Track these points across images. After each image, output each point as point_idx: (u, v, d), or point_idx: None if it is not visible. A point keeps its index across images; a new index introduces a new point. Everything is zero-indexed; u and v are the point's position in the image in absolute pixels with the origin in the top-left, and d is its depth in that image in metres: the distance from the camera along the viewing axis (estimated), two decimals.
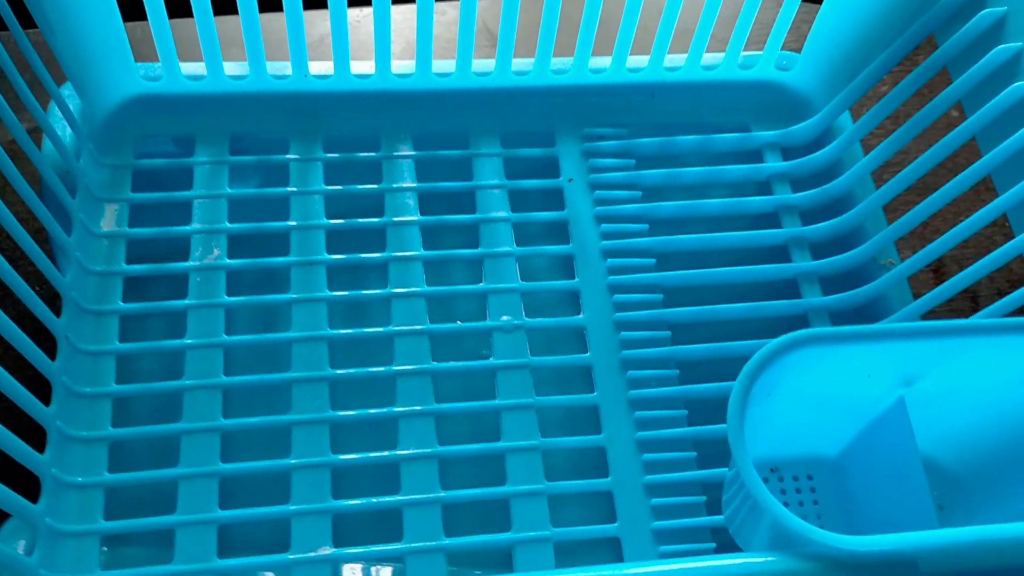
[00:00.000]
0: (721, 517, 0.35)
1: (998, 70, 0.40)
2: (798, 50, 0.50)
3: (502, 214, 0.46)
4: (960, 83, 0.41)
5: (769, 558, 0.26)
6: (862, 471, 0.36)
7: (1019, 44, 0.39)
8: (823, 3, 0.48)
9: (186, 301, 0.42)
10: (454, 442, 0.40)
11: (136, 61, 0.46)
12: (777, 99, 0.50)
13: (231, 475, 0.39)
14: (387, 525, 0.39)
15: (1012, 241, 0.38)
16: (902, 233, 0.43)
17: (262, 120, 0.47)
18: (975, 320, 0.30)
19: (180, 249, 0.44)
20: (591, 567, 0.27)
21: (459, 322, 0.43)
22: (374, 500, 0.39)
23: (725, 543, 0.38)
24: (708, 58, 0.50)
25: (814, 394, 0.33)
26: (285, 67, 0.47)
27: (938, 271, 0.48)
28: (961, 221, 0.40)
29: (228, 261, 0.44)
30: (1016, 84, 0.38)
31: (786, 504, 0.37)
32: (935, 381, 0.32)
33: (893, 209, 0.46)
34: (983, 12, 0.41)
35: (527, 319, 0.44)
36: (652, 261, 0.46)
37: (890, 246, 0.46)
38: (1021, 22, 0.39)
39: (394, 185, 0.46)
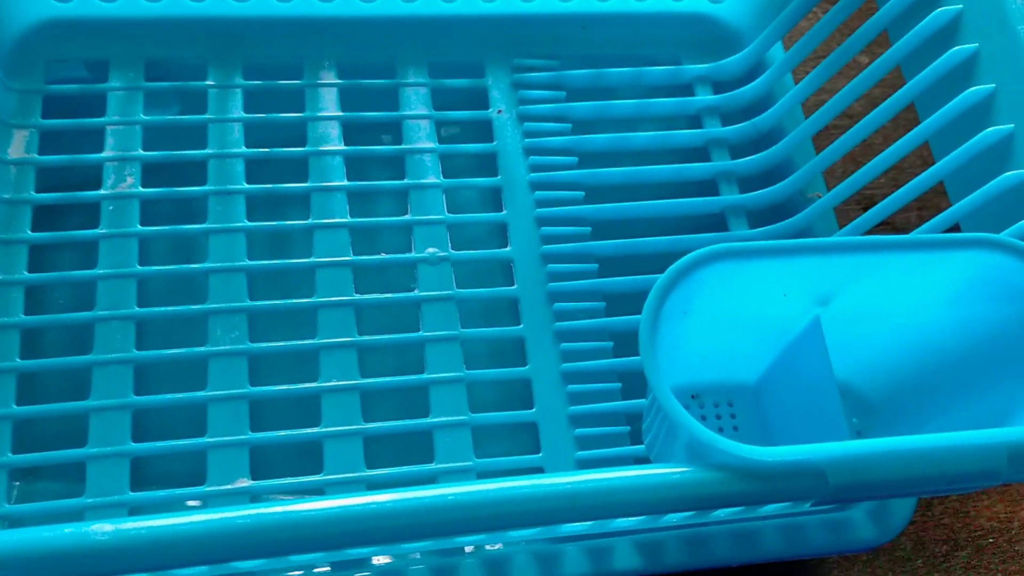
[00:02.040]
0: (643, 447, 0.35)
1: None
2: None
3: (429, 145, 0.45)
4: (884, 12, 0.41)
5: (679, 469, 0.26)
6: (780, 394, 0.36)
7: None
8: None
9: (98, 231, 0.41)
10: (377, 375, 0.40)
11: None
12: (709, 32, 0.49)
13: (145, 407, 0.38)
14: (307, 458, 0.38)
15: (932, 168, 0.38)
16: (827, 164, 0.43)
17: (179, 45, 0.46)
18: (886, 236, 0.30)
19: (93, 178, 0.42)
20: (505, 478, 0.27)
21: (383, 254, 0.43)
22: (294, 432, 0.38)
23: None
24: None
25: (731, 315, 0.32)
26: None
27: (867, 208, 0.49)
28: None
29: (142, 189, 0.42)
30: (937, 11, 0.38)
31: None
32: (852, 300, 0.32)
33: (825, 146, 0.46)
34: None
35: (453, 251, 0.43)
36: (581, 194, 0.45)
37: (817, 178, 0.46)
38: None
39: (317, 114, 0.45)
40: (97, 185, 0.42)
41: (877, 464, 0.27)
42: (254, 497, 0.37)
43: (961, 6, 0.38)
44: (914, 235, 0.30)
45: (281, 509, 0.25)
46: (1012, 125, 0.35)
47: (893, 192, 0.39)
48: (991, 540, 0.41)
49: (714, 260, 0.29)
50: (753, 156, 0.46)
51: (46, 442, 0.37)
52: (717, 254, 0.29)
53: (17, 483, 0.37)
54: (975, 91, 0.37)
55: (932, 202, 0.48)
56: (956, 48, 0.38)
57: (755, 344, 0.35)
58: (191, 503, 0.37)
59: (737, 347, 0.35)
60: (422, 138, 0.46)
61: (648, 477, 0.26)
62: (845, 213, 0.47)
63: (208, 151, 0.43)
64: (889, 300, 0.32)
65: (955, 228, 0.37)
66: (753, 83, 0.47)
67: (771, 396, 0.36)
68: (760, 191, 0.45)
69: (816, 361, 0.33)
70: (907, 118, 0.41)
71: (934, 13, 0.39)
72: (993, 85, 0.36)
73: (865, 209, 0.47)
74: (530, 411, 0.40)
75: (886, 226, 0.48)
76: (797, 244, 0.29)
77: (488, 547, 0.36)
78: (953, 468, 0.27)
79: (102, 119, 0.44)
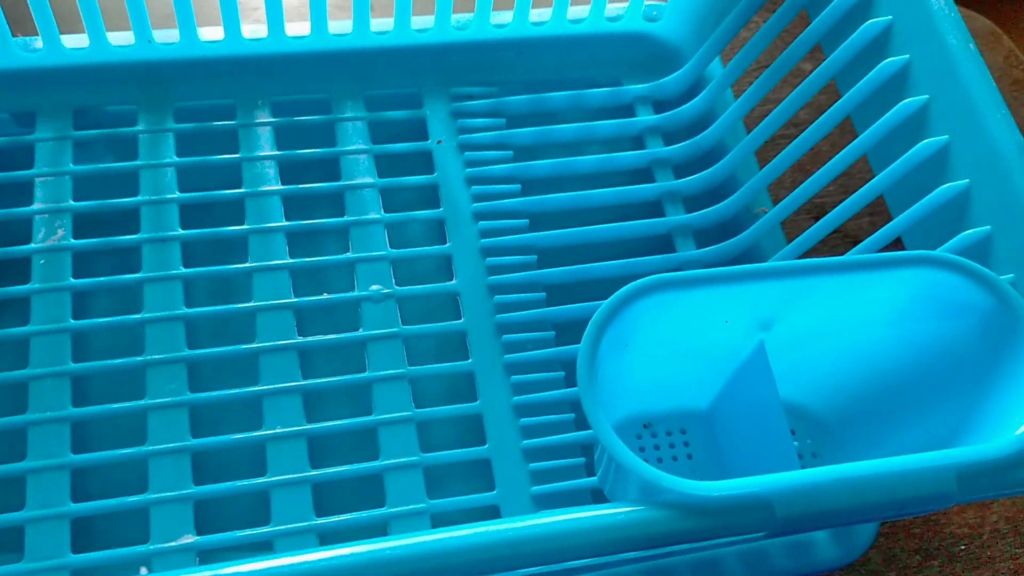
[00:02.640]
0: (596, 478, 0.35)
1: (852, 10, 0.39)
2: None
3: (369, 180, 0.45)
4: (817, 24, 0.41)
5: (626, 508, 0.26)
6: (730, 421, 0.35)
7: None
8: None
9: (30, 286, 0.40)
10: (324, 419, 0.39)
11: None
12: (647, 51, 0.49)
13: (84, 466, 0.37)
14: (255, 509, 0.37)
15: (873, 179, 0.38)
16: (772, 178, 0.43)
17: (107, 92, 0.45)
18: (824, 259, 0.30)
19: (24, 232, 0.41)
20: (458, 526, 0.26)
21: (326, 294, 0.42)
22: (239, 483, 0.37)
23: (605, 503, 0.38)
24: (575, 11, 0.48)
25: (676, 345, 0.32)
26: (130, 36, 0.45)
27: (819, 219, 0.48)
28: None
29: (74, 241, 0.41)
30: (869, 22, 0.38)
31: (659, 460, 0.37)
32: (794, 324, 0.32)
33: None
34: None
35: (397, 287, 0.42)
36: (525, 222, 0.45)
37: (763, 194, 0.45)
38: None
39: (252, 154, 0.44)
40: (28, 239, 0.41)
41: (825, 494, 0.26)
42: (200, 553, 0.36)
43: (891, 17, 0.38)
44: (851, 256, 0.30)
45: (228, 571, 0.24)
46: (947, 136, 0.35)
47: (843, 200, 0.39)
48: (962, 547, 0.41)
49: (650, 292, 0.28)
50: (697, 175, 0.46)
51: None
52: (653, 285, 0.28)
53: None
54: (909, 103, 0.36)
55: (883, 207, 0.47)
56: (888, 60, 0.37)
57: (703, 371, 0.34)
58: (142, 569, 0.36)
59: (685, 375, 0.35)
60: (362, 173, 0.45)
61: (598, 519, 0.26)
62: (797, 223, 0.47)
63: (141, 198, 0.42)
64: (832, 321, 0.32)
65: (898, 240, 0.37)
66: (693, 101, 0.47)
67: (722, 422, 0.36)
68: (705, 210, 0.45)
69: (762, 386, 0.32)
70: (853, 126, 0.41)
71: (865, 25, 0.38)
72: (926, 96, 0.36)
73: (816, 219, 0.47)
74: (483, 447, 0.39)
75: (838, 234, 0.47)
76: (734, 271, 0.29)
77: None
78: (902, 493, 0.26)
79: (30, 171, 0.42)
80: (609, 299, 0.28)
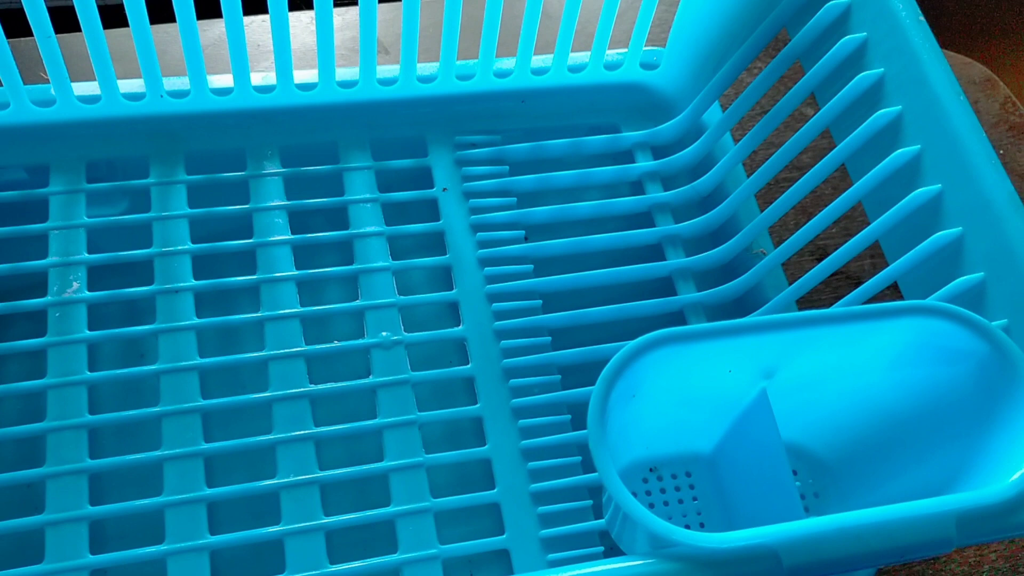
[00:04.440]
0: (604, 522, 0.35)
1: (845, 61, 0.41)
2: (665, 43, 0.51)
3: (376, 228, 0.46)
4: (812, 74, 0.42)
5: (636, 562, 0.26)
6: (734, 465, 0.36)
7: (863, 34, 0.40)
8: (680, 3, 0.48)
9: (44, 339, 0.41)
10: (336, 466, 0.40)
11: None
12: (645, 98, 0.51)
13: (102, 517, 0.37)
14: (269, 556, 0.38)
15: (870, 226, 0.39)
16: (771, 222, 0.44)
17: (119, 144, 0.46)
18: (823, 311, 0.31)
19: (39, 283, 0.42)
20: None
21: (336, 342, 0.43)
22: (255, 532, 0.38)
23: (614, 545, 0.38)
24: (575, 57, 0.50)
25: (681, 392, 0.33)
26: (141, 84, 0.46)
27: (821, 260, 0.49)
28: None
29: (88, 294, 0.42)
30: (862, 75, 0.39)
31: (666, 503, 0.37)
32: (795, 371, 0.33)
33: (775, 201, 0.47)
34: (828, 4, 0.41)
35: (406, 334, 0.43)
36: (530, 267, 0.46)
37: (763, 236, 0.47)
38: (865, 13, 0.40)
39: (262, 204, 0.45)
40: (43, 290, 0.42)
41: (829, 543, 0.27)
42: None
43: (883, 69, 0.39)
44: (850, 308, 0.31)
45: None
46: (940, 185, 0.36)
47: (844, 241, 0.40)
48: None
49: (656, 346, 0.29)
50: (697, 218, 0.47)
51: (3, 558, 0.37)
52: (658, 340, 0.29)
53: None
54: (902, 153, 0.38)
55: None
56: (881, 111, 0.39)
57: (706, 417, 0.35)
58: None
59: (689, 421, 0.35)
60: (369, 221, 0.46)
61: (609, 572, 0.27)
62: (799, 264, 0.48)
63: (153, 250, 0.43)
64: (832, 368, 0.33)
65: (894, 285, 0.38)
66: (692, 146, 0.48)
67: (726, 465, 0.37)
68: (706, 253, 0.46)
69: (765, 431, 0.33)
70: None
71: (858, 77, 0.40)
72: (919, 146, 0.37)
73: (819, 260, 0.48)
74: (492, 491, 0.40)
75: (840, 275, 0.48)
76: (737, 325, 0.30)
77: None
78: (904, 540, 0.27)
79: (45, 224, 0.43)
80: (618, 353, 0.29)
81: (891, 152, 0.38)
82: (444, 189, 0.47)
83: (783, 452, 0.32)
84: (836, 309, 0.31)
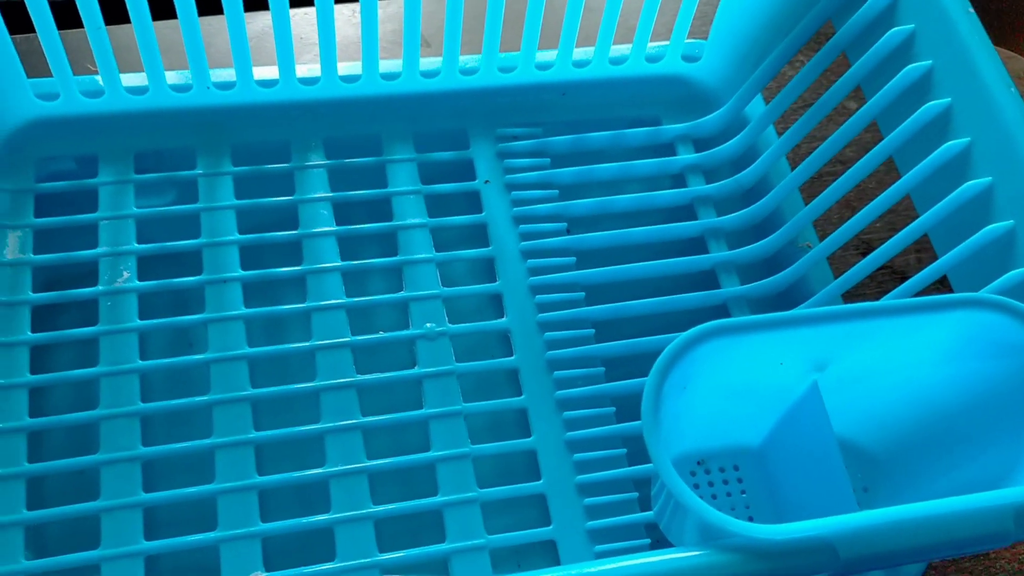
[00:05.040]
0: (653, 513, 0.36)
1: (892, 53, 0.41)
2: (707, 35, 0.50)
3: (419, 220, 0.46)
4: (858, 66, 0.42)
5: (691, 553, 0.27)
6: (784, 458, 0.36)
7: (911, 26, 0.40)
8: None
9: (96, 328, 0.41)
10: (383, 455, 0.40)
11: (29, 76, 0.44)
12: (687, 91, 0.51)
13: (155, 504, 0.38)
14: (318, 545, 0.38)
15: (919, 219, 0.39)
16: (816, 215, 0.44)
17: (166, 135, 0.46)
18: (877, 303, 0.31)
19: (89, 273, 0.43)
20: (523, 574, 0.27)
21: (381, 332, 0.43)
22: (304, 520, 0.38)
23: (660, 538, 0.38)
24: (616, 50, 0.50)
25: (731, 385, 0.33)
26: (187, 75, 0.46)
27: (866, 254, 0.49)
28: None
29: (138, 283, 0.42)
30: (910, 66, 0.39)
31: (714, 496, 0.38)
32: (847, 364, 0.33)
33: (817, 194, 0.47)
34: None
35: (450, 325, 0.43)
36: (572, 260, 0.46)
37: (808, 228, 0.46)
38: (913, 4, 0.40)
39: (307, 196, 0.46)
40: (93, 279, 0.42)
41: (886, 535, 0.27)
42: None
43: (931, 61, 0.39)
44: (902, 300, 0.31)
45: None
46: (990, 178, 0.36)
47: (889, 236, 0.40)
48: None
49: (709, 337, 0.29)
50: (741, 211, 0.47)
51: (58, 543, 0.38)
52: (712, 331, 0.29)
53: None
54: (951, 145, 0.37)
55: (930, 243, 0.48)
56: (930, 103, 0.38)
57: (756, 410, 0.35)
58: None
59: (739, 414, 0.35)
60: (412, 213, 0.46)
61: (661, 564, 0.27)
62: (844, 259, 0.48)
63: (201, 240, 0.44)
64: (884, 361, 0.33)
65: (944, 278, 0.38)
66: (734, 139, 0.48)
67: (775, 458, 0.37)
68: (750, 246, 0.46)
69: (817, 424, 0.33)
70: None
71: (905, 69, 0.39)
72: (969, 138, 0.37)
73: (863, 254, 0.48)
74: (538, 482, 0.40)
75: (885, 269, 0.48)
76: (790, 316, 0.30)
77: None
78: (962, 533, 0.27)
79: (94, 215, 0.44)
80: (672, 344, 0.29)
81: (940, 145, 0.38)
82: (486, 181, 0.48)
83: (836, 445, 0.32)
84: (889, 301, 0.31)
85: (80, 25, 0.42)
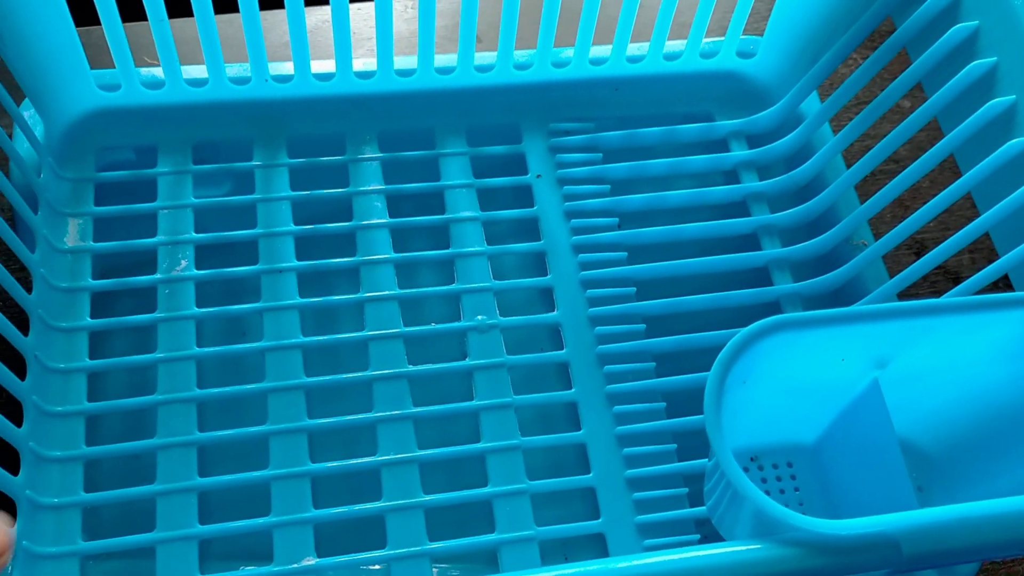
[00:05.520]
0: (704, 508, 0.35)
1: (955, 50, 0.40)
2: (761, 32, 0.50)
3: (471, 213, 0.46)
4: (919, 64, 0.41)
5: (753, 546, 0.27)
6: (841, 456, 0.36)
7: (975, 23, 0.39)
8: None
9: (154, 315, 0.42)
10: (433, 445, 0.40)
11: (92, 67, 0.45)
12: (740, 87, 0.50)
13: (210, 488, 0.38)
14: (370, 532, 0.38)
15: (979, 218, 0.38)
16: (872, 213, 0.44)
17: (224, 127, 0.47)
18: (942, 299, 0.30)
19: (147, 261, 0.43)
20: (577, 563, 0.27)
21: (433, 324, 0.43)
22: (356, 508, 0.38)
23: (709, 534, 0.38)
24: (671, 45, 0.50)
25: (789, 380, 0.33)
26: (245, 68, 0.47)
27: (920, 254, 0.49)
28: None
29: (195, 272, 0.43)
30: (974, 63, 0.39)
31: (767, 492, 0.37)
32: (907, 362, 0.32)
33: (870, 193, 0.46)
34: None
35: (501, 318, 0.43)
36: (624, 255, 0.46)
37: (863, 227, 0.46)
38: (977, 1, 0.40)
39: (361, 188, 0.46)
40: (152, 267, 0.43)
41: (950, 532, 0.27)
42: (319, 574, 0.37)
43: (996, 58, 0.39)
44: (964, 298, 0.30)
45: None
46: None
47: (944, 237, 0.40)
48: None
49: (773, 331, 0.29)
50: (795, 208, 0.46)
51: (114, 526, 0.38)
52: (776, 325, 0.29)
53: (91, 562, 0.38)
54: (1015, 143, 0.37)
55: (984, 244, 0.48)
56: (994, 100, 0.38)
57: (813, 407, 0.35)
58: None
59: (795, 410, 0.35)
60: (464, 206, 0.46)
61: (722, 556, 0.27)
62: (897, 259, 0.47)
63: (257, 231, 0.44)
64: (946, 359, 0.32)
65: (1006, 276, 0.38)
66: (790, 135, 0.48)
67: (831, 456, 0.37)
68: (804, 243, 0.45)
69: (877, 422, 0.33)
70: (953, 161, 0.41)
71: (969, 66, 0.39)
72: None
73: (917, 254, 0.47)
74: (587, 476, 0.40)
75: (939, 270, 0.48)
76: (853, 312, 0.30)
77: None
78: None
79: (153, 204, 0.45)
80: (735, 337, 0.29)
81: (1003, 143, 0.37)
82: (538, 176, 0.48)
83: (896, 444, 0.32)
84: (951, 299, 0.30)
85: (143, 18, 0.43)
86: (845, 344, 0.31)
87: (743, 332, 0.29)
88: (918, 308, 0.30)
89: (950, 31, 0.40)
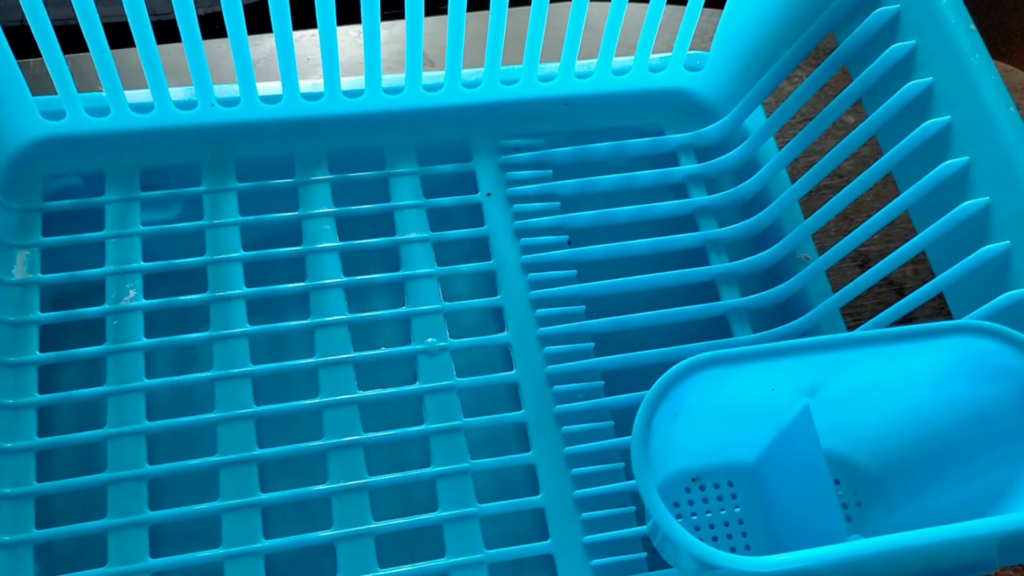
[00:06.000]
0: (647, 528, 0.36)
1: (893, 69, 0.40)
2: (708, 49, 0.50)
3: (421, 235, 0.46)
4: (859, 81, 0.42)
5: None
6: (777, 476, 0.36)
7: (912, 42, 0.40)
8: (726, 5, 0.48)
9: (103, 347, 0.42)
10: (385, 470, 0.41)
11: (34, 95, 0.45)
12: (688, 101, 0.50)
13: (161, 521, 0.39)
14: (321, 560, 0.39)
15: (917, 237, 0.39)
16: (816, 228, 0.44)
17: (171, 152, 0.47)
18: (868, 332, 0.31)
19: (96, 290, 0.43)
20: None
21: (383, 348, 0.44)
22: (306, 536, 0.39)
23: (655, 550, 0.39)
24: (619, 61, 0.50)
25: (724, 410, 0.33)
26: (191, 92, 0.47)
27: (864, 267, 0.49)
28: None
29: (144, 302, 0.43)
30: (911, 83, 0.39)
31: (708, 512, 0.38)
32: (838, 387, 0.33)
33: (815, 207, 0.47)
34: (877, 10, 0.41)
35: (451, 340, 0.44)
36: (573, 272, 0.46)
37: (807, 241, 0.46)
38: (914, 19, 0.40)
39: (311, 212, 0.46)
40: (100, 297, 0.43)
41: (871, 565, 0.27)
42: None
43: (932, 78, 0.39)
44: (892, 329, 0.31)
45: None
46: (988, 197, 0.36)
47: (889, 250, 0.40)
48: None
49: (700, 369, 0.30)
50: (741, 222, 0.47)
51: (66, 561, 0.38)
52: (702, 363, 0.29)
53: None
54: (950, 164, 0.37)
55: (927, 256, 0.48)
56: (930, 121, 0.38)
57: (749, 430, 0.36)
58: None
59: (732, 434, 0.36)
60: (414, 227, 0.46)
61: None
62: (842, 271, 0.48)
63: (205, 257, 0.44)
64: (876, 385, 0.33)
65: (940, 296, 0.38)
66: (735, 150, 0.48)
67: (769, 475, 0.37)
68: (749, 258, 0.46)
69: (807, 445, 0.33)
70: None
71: (906, 85, 0.39)
72: (968, 158, 0.37)
73: (861, 266, 0.48)
74: (537, 497, 0.41)
75: (883, 282, 0.48)
76: (781, 347, 0.30)
77: None
78: (946, 562, 0.28)
79: (101, 232, 0.45)
80: (661, 378, 0.29)
81: (939, 162, 0.38)
82: (488, 194, 0.48)
83: (825, 466, 0.32)
84: (879, 330, 0.31)
85: (85, 48, 0.43)
86: (774, 376, 0.31)
87: (668, 373, 0.29)
88: (843, 341, 0.31)
89: (888, 50, 0.40)
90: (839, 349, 0.31)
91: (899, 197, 0.40)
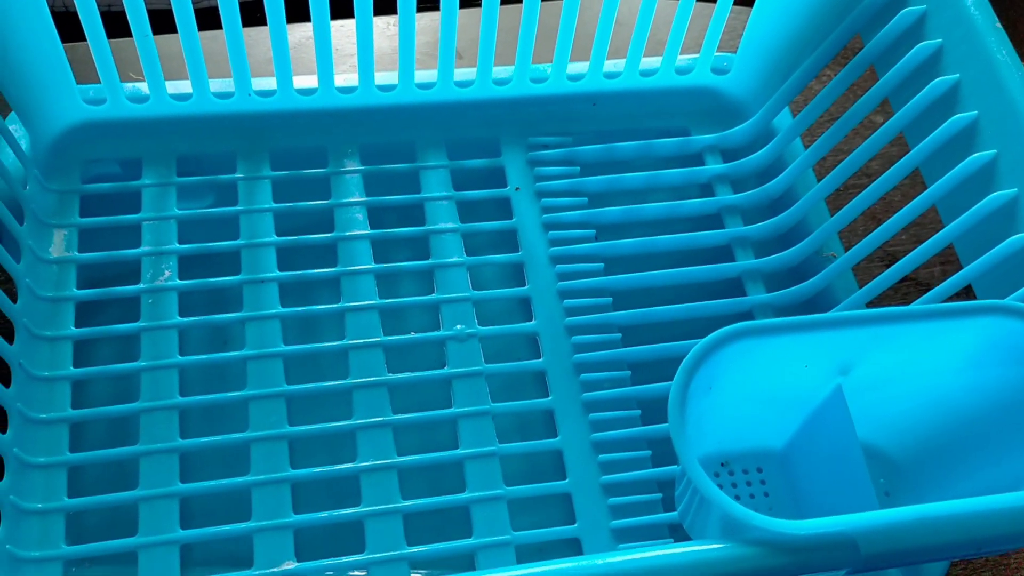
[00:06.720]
0: (676, 513, 0.36)
1: (920, 67, 0.41)
2: (735, 50, 0.51)
3: (451, 225, 0.47)
4: (886, 80, 0.42)
5: (716, 546, 0.27)
6: (807, 460, 0.37)
7: (939, 41, 0.41)
8: (754, 6, 0.49)
9: (138, 324, 0.43)
10: (413, 452, 0.41)
11: (78, 82, 0.46)
12: (715, 103, 0.51)
13: (191, 494, 0.39)
14: (349, 537, 0.39)
15: (944, 229, 0.39)
16: (841, 226, 0.45)
17: (208, 140, 0.48)
18: (904, 307, 0.31)
19: (131, 271, 0.44)
20: (547, 562, 0.28)
21: (412, 333, 0.44)
22: (336, 513, 0.39)
23: (682, 538, 0.39)
24: (647, 62, 0.51)
25: (756, 388, 0.34)
26: (229, 83, 0.48)
27: (890, 265, 0.50)
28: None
29: (179, 282, 0.44)
30: (937, 80, 0.40)
31: (737, 498, 0.38)
32: (870, 368, 0.33)
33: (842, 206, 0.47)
34: (904, 11, 0.42)
35: (480, 327, 0.44)
36: (600, 266, 0.47)
37: (833, 239, 0.47)
38: (940, 19, 0.41)
39: (342, 200, 0.47)
40: (136, 277, 0.44)
41: (907, 532, 0.27)
42: None
43: (959, 75, 0.40)
44: (927, 305, 0.31)
45: None
46: (1015, 189, 0.37)
47: (915, 248, 0.41)
48: None
49: (735, 339, 0.30)
50: (767, 220, 0.47)
51: (97, 531, 0.39)
52: (738, 332, 0.30)
53: (73, 569, 0.38)
54: (977, 157, 0.38)
55: (955, 256, 0.49)
56: (956, 116, 0.39)
57: (780, 413, 0.36)
58: None
59: (762, 416, 0.36)
60: (444, 218, 0.47)
61: (686, 555, 0.27)
62: (868, 270, 0.48)
63: (240, 241, 0.45)
64: (907, 366, 0.33)
65: (969, 287, 0.39)
66: (762, 150, 0.49)
67: (799, 461, 0.37)
68: (775, 255, 0.46)
69: (840, 428, 0.34)
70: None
71: (933, 82, 0.40)
72: (995, 151, 0.38)
73: (888, 265, 0.48)
74: (563, 482, 0.41)
75: (909, 281, 0.49)
76: (815, 319, 0.31)
77: None
78: (982, 532, 0.28)
79: (138, 215, 0.45)
80: (698, 345, 0.30)
81: (966, 157, 0.39)
82: (517, 188, 0.49)
83: (859, 448, 0.33)
84: (913, 307, 0.31)
85: (128, 34, 0.44)
86: (808, 351, 0.32)
87: (706, 340, 0.30)
88: (879, 316, 0.31)
89: (915, 49, 0.41)
90: (873, 324, 0.31)
91: (926, 192, 0.40)
